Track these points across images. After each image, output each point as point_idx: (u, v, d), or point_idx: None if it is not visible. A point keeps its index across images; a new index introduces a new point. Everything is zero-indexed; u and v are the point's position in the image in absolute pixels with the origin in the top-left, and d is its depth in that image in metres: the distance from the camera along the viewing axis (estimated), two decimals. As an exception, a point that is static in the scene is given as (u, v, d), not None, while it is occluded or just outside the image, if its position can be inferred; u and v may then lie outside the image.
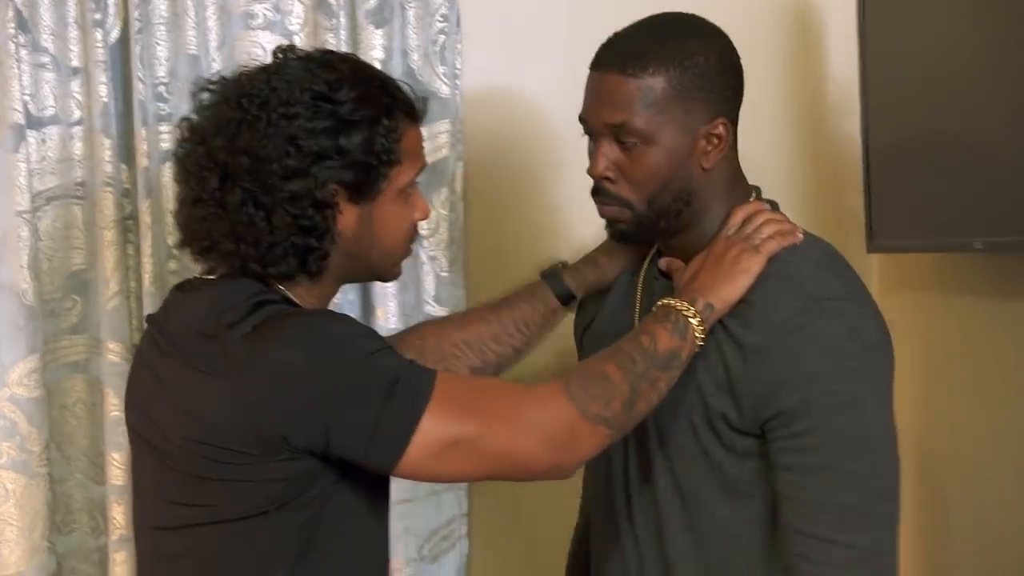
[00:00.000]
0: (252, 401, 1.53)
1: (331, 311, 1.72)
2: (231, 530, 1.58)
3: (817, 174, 2.45)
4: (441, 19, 2.31)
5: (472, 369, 1.93)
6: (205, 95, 1.68)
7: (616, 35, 1.70)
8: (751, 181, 1.79)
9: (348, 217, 1.65)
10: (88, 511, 2.34)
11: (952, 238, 1.99)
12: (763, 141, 2.34)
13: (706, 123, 1.66)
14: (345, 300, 2.31)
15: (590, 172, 1.69)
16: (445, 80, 2.32)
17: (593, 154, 1.69)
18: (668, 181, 1.66)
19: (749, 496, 1.68)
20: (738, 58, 1.71)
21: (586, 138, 1.72)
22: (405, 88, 1.71)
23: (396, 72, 2.27)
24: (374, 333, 1.64)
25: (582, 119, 1.71)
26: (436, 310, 2.34)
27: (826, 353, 1.58)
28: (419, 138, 1.73)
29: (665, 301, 1.66)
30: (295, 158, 1.59)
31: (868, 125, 2.19)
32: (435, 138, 2.32)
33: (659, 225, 1.70)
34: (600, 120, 1.67)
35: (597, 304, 1.93)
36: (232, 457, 1.55)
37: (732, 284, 1.64)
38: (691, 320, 1.63)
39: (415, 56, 2.31)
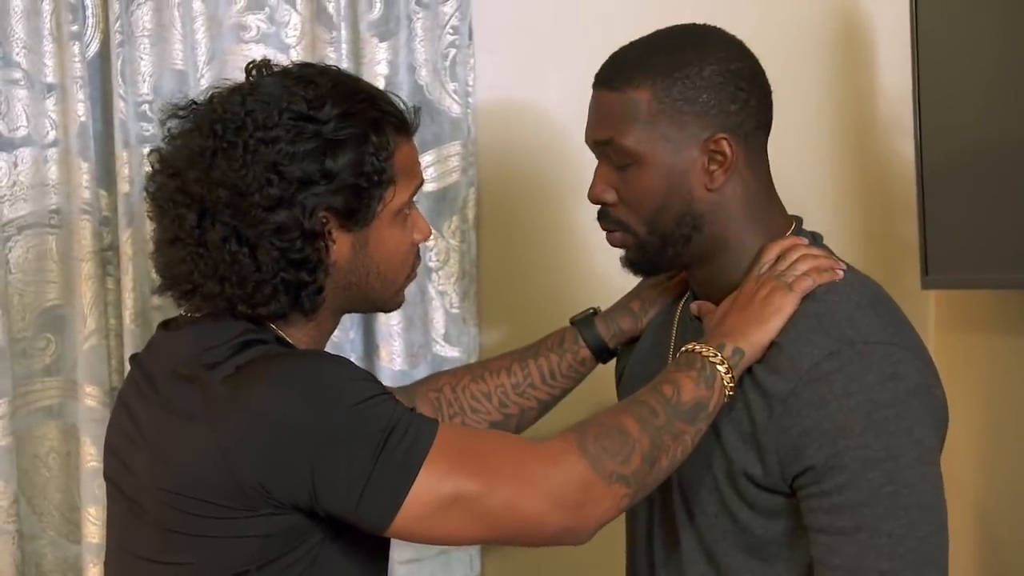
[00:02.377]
0: (231, 448, 1.48)
1: (325, 353, 1.66)
2: None
3: (865, 200, 2.40)
4: (451, 31, 2.27)
5: (492, 424, 1.89)
6: (175, 122, 1.63)
7: (617, 50, 1.68)
8: (790, 208, 1.74)
9: (341, 246, 1.61)
10: (61, 572, 2.29)
11: (1018, 273, 1.92)
12: (804, 163, 2.35)
13: (704, 140, 1.62)
14: (346, 339, 2.27)
15: (588, 196, 1.69)
16: (456, 98, 2.28)
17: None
18: (665, 203, 1.64)
19: (778, 559, 1.63)
20: (750, 68, 1.66)
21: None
22: (395, 100, 1.67)
23: (403, 90, 2.24)
24: (371, 378, 1.57)
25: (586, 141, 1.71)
26: (445, 350, 2.30)
27: (859, 404, 1.53)
28: (413, 153, 1.69)
29: (690, 347, 1.62)
30: (278, 186, 1.55)
31: (923, 145, 2.14)
32: (445, 161, 2.29)
33: (667, 252, 1.67)
34: (591, 138, 1.67)
35: (628, 354, 1.89)
36: (209, 510, 1.50)
37: (763, 327, 1.59)
38: (719, 368, 1.58)
39: (423, 72, 2.27)
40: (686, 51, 1.62)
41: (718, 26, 1.69)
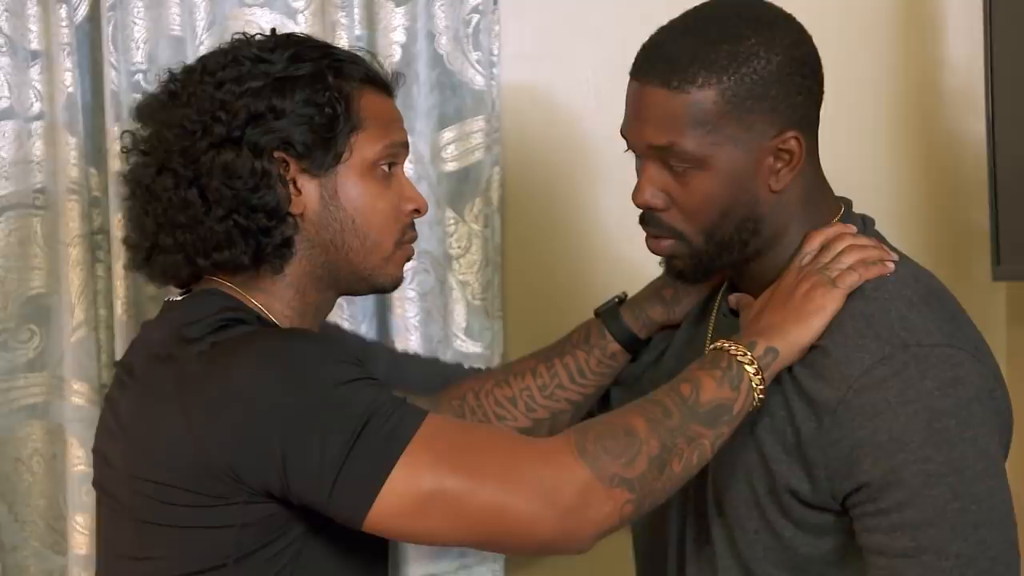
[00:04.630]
0: (200, 428, 1.52)
1: (309, 331, 1.68)
2: None
3: (931, 184, 2.38)
4: None
5: (521, 431, 1.89)
6: (141, 105, 1.73)
7: (659, 35, 1.64)
8: (848, 193, 1.74)
9: (309, 196, 1.65)
10: None
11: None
12: (864, 144, 2.36)
13: (772, 138, 1.60)
14: (358, 332, 2.24)
15: (634, 200, 1.66)
16: (479, 69, 2.24)
17: (638, 178, 1.65)
18: (728, 209, 1.62)
19: None
20: (812, 51, 1.64)
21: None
22: (365, 56, 1.74)
23: (421, 59, 2.22)
24: (356, 361, 1.59)
25: (623, 135, 1.66)
26: (467, 345, 2.27)
27: (917, 413, 1.52)
28: (387, 107, 1.72)
29: (718, 344, 1.60)
30: (224, 123, 1.61)
31: (995, 123, 2.11)
32: (467, 138, 2.25)
33: (722, 259, 1.66)
34: (643, 140, 1.63)
35: (667, 341, 1.89)
36: (179, 498, 1.54)
37: (802, 326, 1.58)
38: (747, 368, 1.56)
39: (443, 40, 2.23)
40: (750, 40, 1.58)
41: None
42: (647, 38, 1.65)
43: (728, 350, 1.57)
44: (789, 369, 1.59)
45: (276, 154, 1.62)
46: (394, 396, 1.56)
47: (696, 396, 1.55)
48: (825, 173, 1.70)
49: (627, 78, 1.67)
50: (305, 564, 1.57)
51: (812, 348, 1.58)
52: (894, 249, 1.67)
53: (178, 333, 1.57)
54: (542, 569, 2.32)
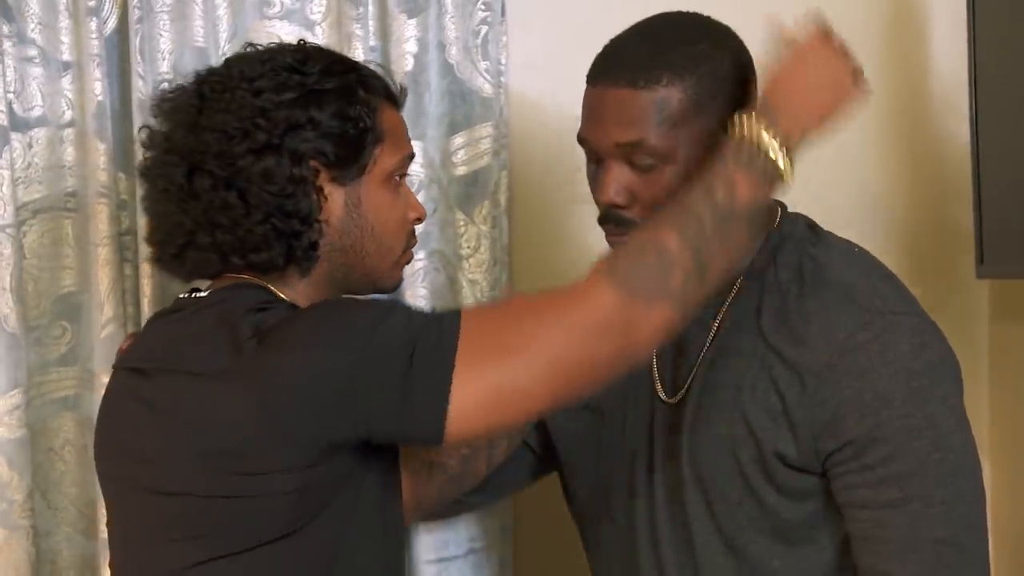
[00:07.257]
0: (269, 400, 1.51)
1: (331, 300, 1.70)
2: (239, 564, 1.56)
3: (919, 187, 2.39)
4: (483, 7, 2.26)
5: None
6: (166, 105, 1.73)
7: (615, 43, 1.68)
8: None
9: (334, 204, 1.68)
10: (77, 569, 2.28)
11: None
12: (854, 148, 2.32)
13: (723, 133, 1.62)
14: None
15: (599, 199, 1.68)
16: (488, 77, 2.27)
17: (599, 179, 1.67)
18: None
19: (808, 542, 1.66)
20: (750, 58, 1.69)
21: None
22: (379, 71, 1.77)
23: (432, 69, 2.25)
24: (374, 302, 1.64)
25: (581, 140, 1.69)
26: None
27: (896, 372, 1.57)
28: (400, 122, 1.76)
29: (747, 134, 1.57)
30: (265, 130, 1.63)
31: (979, 128, 2.14)
32: (476, 144, 2.28)
33: None
34: (609, 140, 1.65)
35: None
36: (246, 466, 1.53)
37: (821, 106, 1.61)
38: (779, 165, 1.56)
39: (453, 50, 2.26)
40: (702, 43, 1.64)
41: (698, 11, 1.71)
42: (601, 48, 1.68)
43: (762, 146, 1.56)
44: (767, 342, 1.63)
45: (311, 162, 1.64)
46: (423, 313, 1.59)
47: (731, 200, 1.54)
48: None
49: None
50: (349, 522, 1.60)
51: (789, 314, 1.62)
52: (842, 239, 1.71)
53: (220, 318, 1.58)
54: (551, 552, 2.31)
